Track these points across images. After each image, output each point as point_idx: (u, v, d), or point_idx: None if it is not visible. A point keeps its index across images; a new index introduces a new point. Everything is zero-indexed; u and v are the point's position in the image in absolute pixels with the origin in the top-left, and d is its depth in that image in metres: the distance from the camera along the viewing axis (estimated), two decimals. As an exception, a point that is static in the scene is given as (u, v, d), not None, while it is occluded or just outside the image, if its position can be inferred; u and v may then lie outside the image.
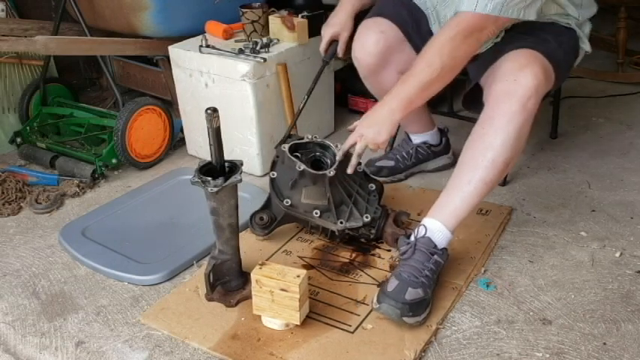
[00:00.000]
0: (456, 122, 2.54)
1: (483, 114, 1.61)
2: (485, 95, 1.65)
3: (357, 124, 1.67)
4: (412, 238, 1.60)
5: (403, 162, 2.18)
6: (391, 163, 2.17)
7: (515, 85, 1.55)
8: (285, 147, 1.77)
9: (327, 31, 2.01)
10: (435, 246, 1.58)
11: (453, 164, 2.22)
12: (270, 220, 1.80)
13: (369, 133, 1.64)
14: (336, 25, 2.00)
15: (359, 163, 1.79)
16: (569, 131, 2.52)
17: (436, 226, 1.59)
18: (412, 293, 1.50)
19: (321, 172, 1.71)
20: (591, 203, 2.01)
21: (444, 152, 2.23)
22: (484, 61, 1.71)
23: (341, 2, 2.02)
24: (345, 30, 1.99)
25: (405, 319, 1.48)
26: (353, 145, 1.67)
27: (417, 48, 1.83)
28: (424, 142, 2.20)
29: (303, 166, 1.71)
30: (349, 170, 1.70)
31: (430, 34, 1.81)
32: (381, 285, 1.57)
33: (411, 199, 2.05)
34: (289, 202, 1.75)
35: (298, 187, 1.75)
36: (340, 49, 2.02)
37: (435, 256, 1.56)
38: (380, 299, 1.51)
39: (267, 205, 1.83)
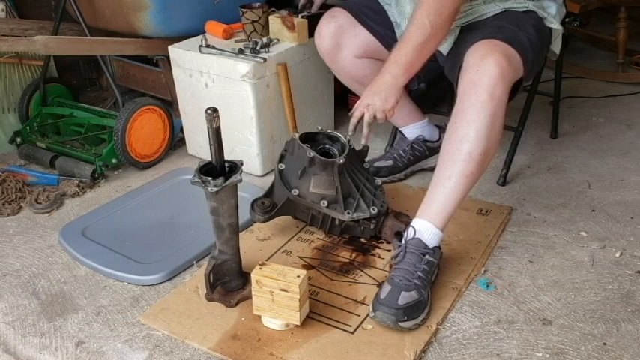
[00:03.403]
0: (456, 122, 2.55)
1: (454, 109, 1.63)
2: (455, 92, 1.68)
3: (361, 97, 1.72)
4: (403, 241, 1.61)
5: (401, 160, 2.19)
6: (389, 162, 2.18)
7: (479, 75, 1.56)
8: (296, 136, 1.79)
9: None
10: (426, 246, 1.58)
11: None
12: (272, 206, 1.81)
13: (376, 102, 1.69)
14: None
15: (365, 159, 1.87)
16: (569, 131, 2.52)
17: (425, 226, 1.59)
18: (406, 297, 1.49)
19: (330, 160, 1.74)
20: (591, 203, 2.01)
21: None
22: (453, 63, 1.74)
23: None
24: None
25: (401, 324, 1.47)
26: (359, 117, 1.71)
27: (376, 33, 1.99)
28: (419, 138, 2.20)
29: (313, 153, 1.73)
30: (363, 141, 1.75)
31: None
32: (377, 290, 1.57)
33: (411, 199, 2.05)
34: (297, 192, 1.76)
35: (307, 177, 1.76)
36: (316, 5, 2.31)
37: (427, 256, 1.56)
38: (375, 307, 1.51)
39: (269, 194, 1.84)
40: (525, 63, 1.68)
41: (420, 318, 1.51)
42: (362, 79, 2.06)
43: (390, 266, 1.72)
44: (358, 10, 2.00)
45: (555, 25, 1.82)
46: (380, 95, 1.69)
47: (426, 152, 2.21)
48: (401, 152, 2.19)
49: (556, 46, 1.91)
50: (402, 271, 1.55)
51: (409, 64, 1.67)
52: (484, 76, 1.56)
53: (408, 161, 2.19)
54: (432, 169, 2.20)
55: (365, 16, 1.99)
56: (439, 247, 1.61)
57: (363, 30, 1.99)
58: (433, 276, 1.60)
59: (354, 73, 2.07)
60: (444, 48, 1.79)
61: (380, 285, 1.62)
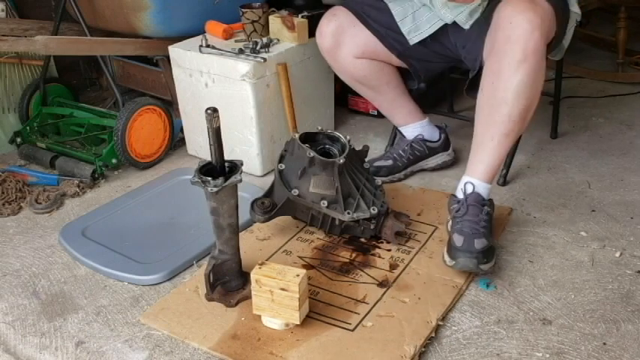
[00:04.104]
0: (456, 122, 2.55)
1: (488, 66, 1.65)
2: (487, 50, 1.68)
3: None
4: (460, 195, 1.72)
5: (400, 160, 2.18)
6: (389, 162, 2.17)
7: (513, 28, 1.56)
8: (296, 136, 1.79)
9: None
10: (484, 198, 1.71)
11: (453, 161, 2.22)
12: (272, 206, 1.81)
13: None
14: None
15: (365, 159, 1.89)
16: (569, 131, 2.52)
17: (478, 182, 1.72)
18: (479, 243, 1.61)
19: (330, 160, 1.74)
20: (591, 203, 2.01)
21: (443, 149, 2.23)
22: (476, 39, 1.75)
23: None
24: None
25: (481, 266, 1.59)
26: None
27: (377, 32, 1.98)
28: (418, 137, 2.19)
29: (313, 153, 1.73)
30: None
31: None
32: (448, 243, 1.68)
33: (410, 199, 2.05)
34: (297, 192, 1.76)
35: (307, 176, 1.76)
36: None
37: (486, 207, 1.70)
38: (453, 255, 1.60)
39: (269, 194, 1.84)
40: (558, 19, 1.65)
41: (494, 261, 1.63)
42: (362, 79, 2.07)
43: (391, 265, 1.73)
44: (359, 9, 2.00)
45: (575, 9, 1.80)
46: None
47: (425, 152, 2.20)
48: (400, 152, 2.19)
49: (567, 39, 1.88)
50: (468, 222, 1.65)
51: None
52: (518, 28, 1.55)
53: (408, 161, 2.19)
54: (433, 169, 2.22)
55: (366, 14, 1.99)
56: (492, 199, 1.75)
57: (363, 29, 1.99)
58: (492, 226, 1.71)
59: (353, 72, 2.08)
60: (464, 19, 1.78)
61: (449, 236, 1.69)
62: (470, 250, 1.59)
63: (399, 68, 2.11)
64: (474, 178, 1.72)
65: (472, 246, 1.60)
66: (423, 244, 1.81)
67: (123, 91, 2.61)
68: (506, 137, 1.67)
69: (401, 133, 2.23)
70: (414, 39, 1.95)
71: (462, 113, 2.58)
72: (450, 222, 1.72)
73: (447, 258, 1.64)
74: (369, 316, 1.54)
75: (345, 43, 2.00)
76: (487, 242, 1.63)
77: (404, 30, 1.95)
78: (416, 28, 1.93)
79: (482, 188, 1.72)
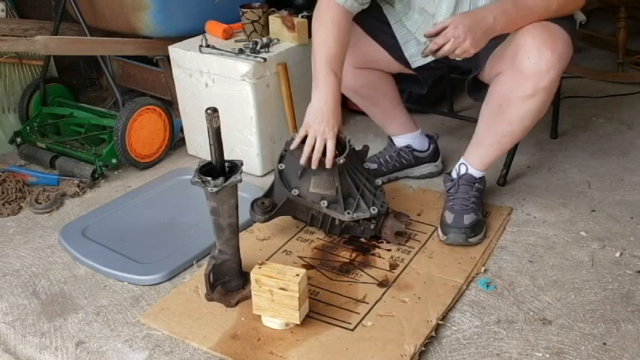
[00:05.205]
0: (456, 122, 2.55)
1: (499, 89, 1.68)
2: (498, 69, 1.68)
3: (452, 23, 1.56)
4: (454, 175, 1.87)
5: (386, 166, 2.14)
6: (374, 166, 2.11)
7: (530, 67, 1.58)
8: (296, 136, 1.78)
9: (333, 131, 1.72)
10: (475, 177, 1.85)
11: (440, 172, 2.19)
12: (272, 206, 1.80)
13: (467, 39, 1.54)
14: (337, 120, 1.74)
15: (365, 159, 1.90)
16: (569, 131, 2.52)
17: (472, 168, 1.85)
18: (468, 218, 1.77)
19: None
20: (591, 203, 2.01)
21: (432, 160, 2.19)
22: (483, 54, 1.72)
23: (326, 82, 1.74)
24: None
25: (470, 240, 1.76)
26: (440, 45, 1.57)
27: (386, 46, 1.92)
28: (407, 146, 2.15)
29: None
30: (429, 56, 1.64)
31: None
32: (440, 220, 1.83)
33: (410, 199, 2.05)
34: (297, 192, 1.76)
35: (307, 176, 1.76)
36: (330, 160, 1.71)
37: (476, 184, 1.85)
38: (445, 231, 1.78)
39: (269, 194, 1.84)
40: (573, 41, 1.66)
41: (483, 233, 1.80)
42: (359, 88, 2.01)
43: (391, 265, 1.73)
44: (363, 19, 1.88)
45: (580, 16, 1.79)
46: (475, 36, 1.54)
47: (412, 161, 2.16)
48: (387, 157, 2.15)
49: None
50: (459, 199, 1.81)
51: (512, 22, 1.59)
52: (534, 66, 1.58)
53: (393, 167, 2.15)
54: (418, 178, 2.18)
55: (370, 26, 1.91)
56: (483, 176, 1.88)
57: (365, 38, 1.91)
58: (482, 200, 1.88)
59: (350, 83, 1.97)
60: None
61: (441, 215, 1.84)
62: (459, 226, 1.76)
63: (396, 76, 2.08)
64: (469, 164, 1.85)
65: (461, 222, 1.76)
66: (423, 244, 1.81)
67: (123, 91, 2.61)
68: (506, 145, 1.81)
69: (391, 139, 2.20)
70: (415, 63, 1.91)
71: (461, 113, 2.58)
72: (445, 198, 1.87)
73: (440, 233, 1.80)
74: (369, 315, 1.54)
75: (347, 54, 1.85)
76: (476, 216, 1.79)
77: (406, 54, 1.91)
78: (418, 53, 1.89)
79: (476, 172, 1.85)
